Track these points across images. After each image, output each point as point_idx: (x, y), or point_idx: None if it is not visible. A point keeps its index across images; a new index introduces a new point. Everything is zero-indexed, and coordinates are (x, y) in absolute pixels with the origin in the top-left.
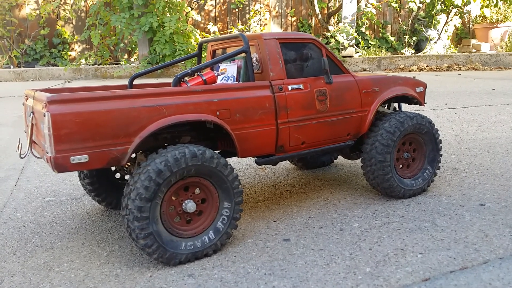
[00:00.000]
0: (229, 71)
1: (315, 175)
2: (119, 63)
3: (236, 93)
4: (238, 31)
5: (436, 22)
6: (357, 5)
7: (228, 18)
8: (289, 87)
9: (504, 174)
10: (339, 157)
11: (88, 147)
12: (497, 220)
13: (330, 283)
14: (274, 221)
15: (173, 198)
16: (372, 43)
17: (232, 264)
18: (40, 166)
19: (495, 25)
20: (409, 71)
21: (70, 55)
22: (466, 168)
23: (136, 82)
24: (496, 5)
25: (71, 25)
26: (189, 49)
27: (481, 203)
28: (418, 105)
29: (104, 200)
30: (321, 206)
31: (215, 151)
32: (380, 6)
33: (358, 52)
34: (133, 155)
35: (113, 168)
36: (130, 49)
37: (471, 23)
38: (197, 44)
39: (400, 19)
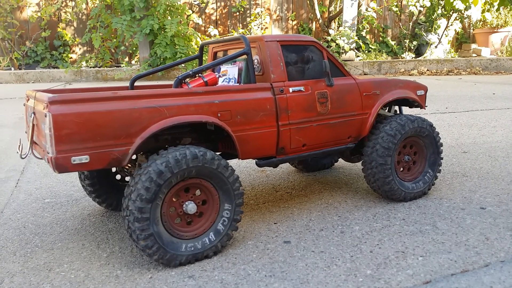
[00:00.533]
0: (230, 73)
1: (316, 178)
2: (120, 66)
3: (237, 94)
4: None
5: (436, 27)
6: (358, 9)
7: (229, 21)
8: (290, 89)
9: (505, 177)
10: (340, 160)
11: (89, 147)
12: (498, 223)
13: (331, 285)
14: (275, 223)
15: (174, 199)
16: (373, 47)
17: (232, 266)
18: (41, 168)
19: (495, 30)
20: (410, 75)
21: (71, 58)
22: (467, 171)
23: (137, 84)
24: (497, 10)
25: (72, 27)
26: (190, 52)
27: (482, 207)
28: (419, 108)
29: (104, 202)
30: (322, 209)
31: (216, 153)
32: (381, 10)
33: (359, 56)
34: (134, 157)
35: (113, 170)
36: (131, 52)
37: (472, 28)
38: (197, 47)
39: (400, 24)
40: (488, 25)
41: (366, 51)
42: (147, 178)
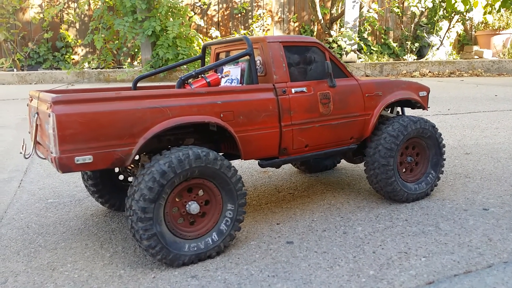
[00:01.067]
0: (232, 73)
1: (318, 179)
2: (122, 67)
3: (239, 95)
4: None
5: (438, 29)
6: (360, 10)
7: (230, 23)
8: (293, 90)
9: (508, 179)
10: (342, 161)
11: (92, 147)
12: (501, 224)
13: (334, 285)
14: (277, 223)
15: (177, 199)
16: (375, 49)
17: (235, 266)
18: (44, 168)
19: (497, 32)
20: (412, 77)
21: (73, 59)
22: (469, 173)
23: (139, 85)
24: (498, 11)
25: (75, 29)
26: (192, 54)
27: (485, 208)
28: (421, 109)
29: (107, 202)
30: (324, 210)
31: (219, 154)
32: (382, 11)
33: (360, 58)
34: (137, 157)
35: (116, 170)
36: (133, 53)
37: (473, 29)
38: (199, 48)
39: (402, 26)
40: (490, 27)
41: (368, 53)
42: (150, 178)
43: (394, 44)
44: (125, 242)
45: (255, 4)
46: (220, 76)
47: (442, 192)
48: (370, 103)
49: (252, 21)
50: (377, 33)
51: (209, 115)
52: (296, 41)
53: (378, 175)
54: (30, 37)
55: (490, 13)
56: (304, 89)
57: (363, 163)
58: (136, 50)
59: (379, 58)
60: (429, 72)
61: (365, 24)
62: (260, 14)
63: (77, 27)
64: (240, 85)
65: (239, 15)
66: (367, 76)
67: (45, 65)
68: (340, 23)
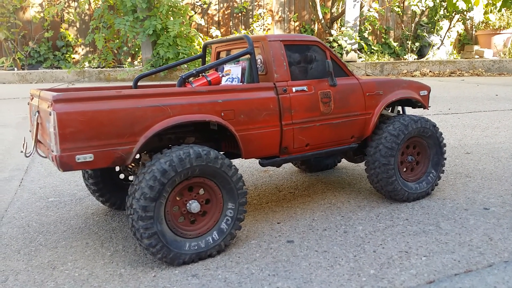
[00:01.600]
0: (233, 72)
1: (319, 178)
2: (123, 66)
3: (240, 94)
4: None
5: (438, 28)
6: (360, 10)
7: (231, 22)
8: (293, 89)
9: (508, 178)
10: (343, 160)
11: (93, 146)
12: (501, 224)
13: (334, 284)
14: (278, 223)
15: (178, 198)
16: (375, 48)
17: (236, 265)
18: (44, 167)
19: (498, 32)
20: (412, 76)
21: (74, 58)
22: (470, 172)
23: (139, 84)
24: (499, 10)
25: (75, 28)
26: (192, 53)
27: (486, 207)
28: (422, 108)
29: (108, 201)
30: (325, 209)
31: (220, 152)
32: (383, 10)
33: (361, 57)
34: (137, 156)
35: (117, 169)
36: (133, 52)
37: (474, 29)
38: (200, 48)
39: (402, 25)
40: (491, 27)
41: (369, 52)
42: (151, 177)
43: (395, 44)
44: (126, 241)
45: (255, 4)
46: (220, 75)
47: (443, 192)
48: (371, 102)
49: (253, 20)
50: (378, 33)
51: (210, 114)
52: (297, 40)
53: (378, 174)
54: (30, 36)
55: (491, 12)
56: (305, 88)
57: (363, 162)
58: (136, 49)
59: (380, 58)
60: (430, 71)
61: (366, 24)
62: (260, 14)
63: (78, 26)
64: (241, 83)
65: (240, 14)
66: (367, 75)
67: (46, 64)
68: (340, 23)
